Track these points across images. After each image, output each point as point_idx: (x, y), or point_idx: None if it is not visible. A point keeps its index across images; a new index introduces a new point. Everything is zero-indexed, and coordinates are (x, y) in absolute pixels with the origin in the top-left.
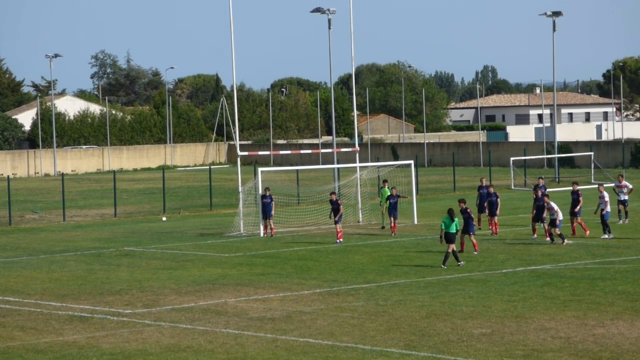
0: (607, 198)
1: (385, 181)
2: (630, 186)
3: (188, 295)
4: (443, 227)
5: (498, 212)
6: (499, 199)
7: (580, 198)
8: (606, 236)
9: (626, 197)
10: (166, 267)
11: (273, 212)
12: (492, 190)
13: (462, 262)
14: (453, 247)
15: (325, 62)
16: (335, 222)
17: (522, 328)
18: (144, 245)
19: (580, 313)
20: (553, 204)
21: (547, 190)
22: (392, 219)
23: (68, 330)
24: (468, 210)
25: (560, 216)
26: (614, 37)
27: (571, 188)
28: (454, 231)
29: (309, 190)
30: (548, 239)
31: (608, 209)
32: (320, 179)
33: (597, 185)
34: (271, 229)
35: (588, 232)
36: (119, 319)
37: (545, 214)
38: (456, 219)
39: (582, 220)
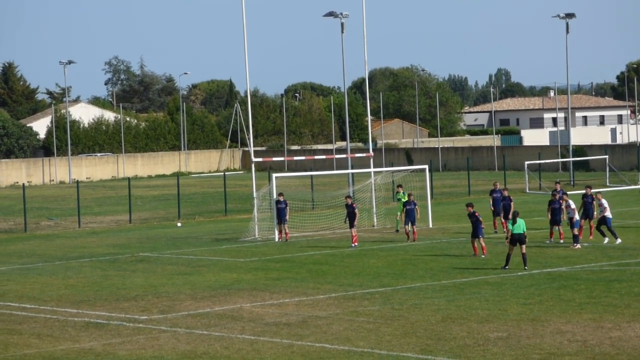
0: (606, 204)
1: (399, 186)
2: None
3: (204, 301)
4: (510, 228)
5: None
6: (512, 203)
7: (594, 203)
8: (619, 240)
9: None
10: (181, 272)
11: (288, 217)
12: (506, 193)
13: (507, 267)
14: (516, 249)
15: (338, 67)
16: (350, 226)
17: (538, 331)
18: (159, 250)
19: (596, 316)
20: (571, 202)
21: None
22: (410, 225)
23: (84, 337)
24: (476, 214)
25: (577, 216)
26: (627, 39)
27: (584, 192)
28: (520, 232)
29: (323, 195)
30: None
31: (608, 214)
32: (335, 184)
33: (597, 193)
34: (286, 233)
35: (591, 237)
36: (135, 325)
37: (564, 217)
38: (520, 221)
39: (592, 224)
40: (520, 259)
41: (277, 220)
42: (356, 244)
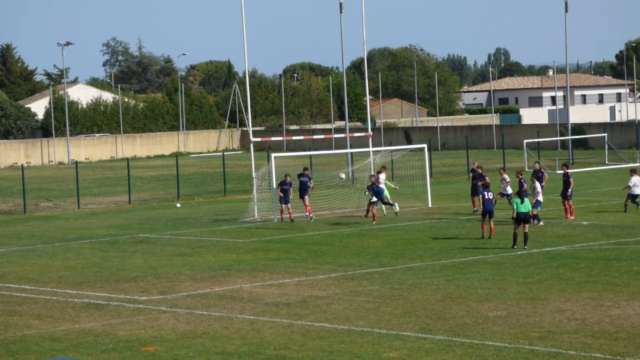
0: (539, 188)
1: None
2: None
3: (203, 282)
4: (515, 207)
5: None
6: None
7: (571, 180)
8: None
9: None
10: (181, 253)
11: (291, 197)
12: (479, 170)
13: (515, 247)
14: (520, 228)
15: (337, 47)
16: (301, 197)
17: (537, 310)
18: (158, 231)
19: (595, 294)
20: (537, 184)
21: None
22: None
23: (84, 318)
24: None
25: (540, 198)
26: (626, 17)
27: (561, 170)
28: (526, 211)
29: (322, 175)
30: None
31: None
32: (334, 164)
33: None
34: (289, 213)
35: (572, 217)
36: (135, 306)
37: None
38: (526, 200)
39: (572, 203)
40: (521, 238)
41: (282, 200)
42: (311, 215)
